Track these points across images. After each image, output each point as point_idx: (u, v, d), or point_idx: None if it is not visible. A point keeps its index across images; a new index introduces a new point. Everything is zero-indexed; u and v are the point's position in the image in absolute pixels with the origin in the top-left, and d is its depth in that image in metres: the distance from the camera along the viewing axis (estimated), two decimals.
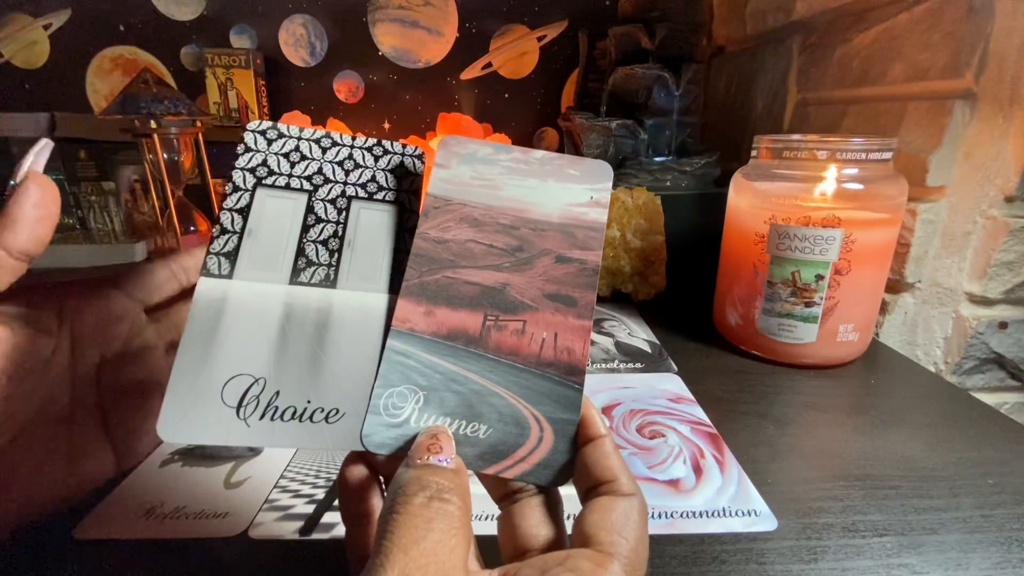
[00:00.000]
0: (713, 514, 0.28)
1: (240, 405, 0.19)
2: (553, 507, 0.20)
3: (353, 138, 0.23)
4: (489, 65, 0.93)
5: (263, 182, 0.22)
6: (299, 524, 0.27)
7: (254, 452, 0.33)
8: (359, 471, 0.20)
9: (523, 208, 0.23)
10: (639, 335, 0.51)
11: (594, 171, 0.24)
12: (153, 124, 0.64)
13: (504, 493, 0.20)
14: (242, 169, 0.22)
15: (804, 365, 0.45)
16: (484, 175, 0.23)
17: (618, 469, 0.19)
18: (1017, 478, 0.31)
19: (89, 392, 0.23)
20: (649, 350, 0.48)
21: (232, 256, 0.21)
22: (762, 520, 0.28)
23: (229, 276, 0.21)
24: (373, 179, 0.23)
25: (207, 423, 0.19)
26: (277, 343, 0.20)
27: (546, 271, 0.22)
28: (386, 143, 0.23)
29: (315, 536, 0.27)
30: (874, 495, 0.30)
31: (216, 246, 0.21)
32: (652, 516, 0.28)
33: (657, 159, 0.67)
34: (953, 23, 0.44)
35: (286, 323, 0.20)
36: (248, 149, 0.22)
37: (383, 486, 0.21)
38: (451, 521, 0.16)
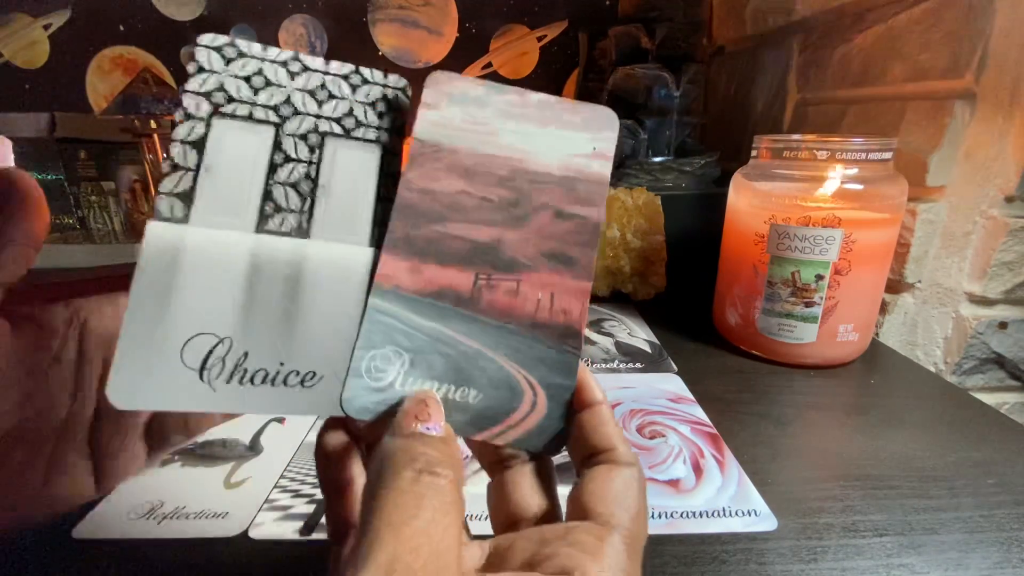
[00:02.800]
0: (713, 514, 0.28)
1: (203, 367, 0.18)
2: (545, 475, 0.19)
3: (327, 62, 0.20)
4: (489, 65, 0.93)
5: (221, 111, 0.19)
6: (299, 524, 0.27)
7: (254, 452, 0.33)
8: (338, 437, 0.19)
9: (520, 158, 0.21)
10: (639, 335, 0.51)
11: (597, 119, 0.21)
12: (153, 124, 0.64)
13: (494, 460, 0.20)
14: (195, 93, 0.19)
15: (804, 365, 0.45)
16: (477, 119, 0.21)
17: (616, 437, 0.18)
18: (1017, 478, 0.31)
19: (89, 400, 0.23)
20: (649, 350, 0.48)
21: (187, 197, 0.18)
22: (762, 520, 0.28)
23: (184, 220, 0.18)
24: (350, 113, 0.20)
25: (166, 387, 0.17)
26: (244, 299, 0.18)
27: (544, 227, 0.20)
28: (365, 71, 0.21)
29: (315, 536, 0.27)
30: (874, 495, 0.30)
31: (167, 185, 0.18)
32: (652, 516, 0.28)
33: (657, 159, 0.67)
34: (953, 23, 0.44)
35: (253, 276, 0.19)
36: (201, 69, 0.19)
37: (364, 454, 0.20)
38: (443, 497, 0.15)
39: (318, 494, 0.30)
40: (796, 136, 0.43)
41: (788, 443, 0.35)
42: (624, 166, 0.66)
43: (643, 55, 0.68)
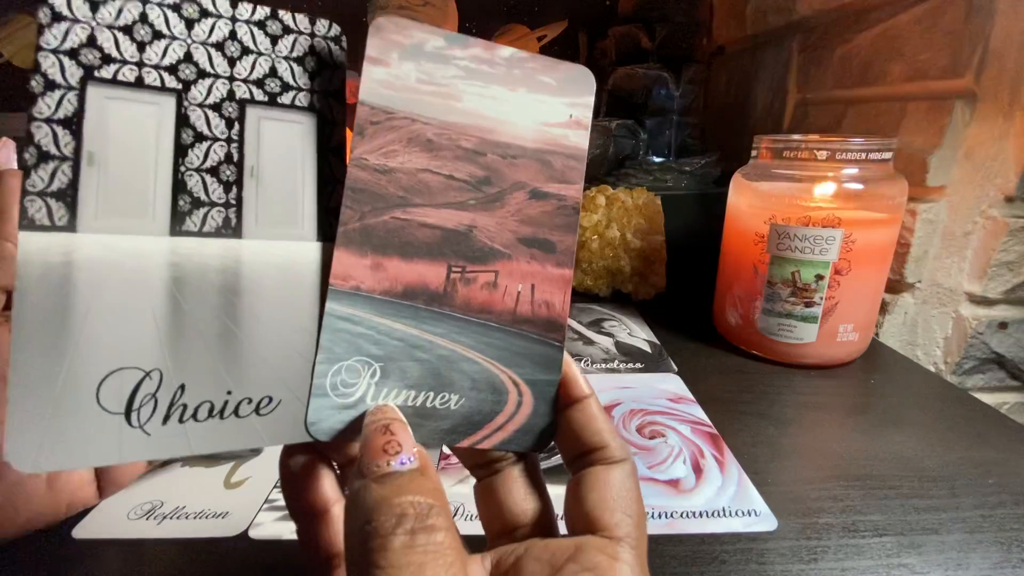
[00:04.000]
0: (713, 514, 0.28)
1: (130, 409, 0.15)
2: (534, 474, 0.19)
3: (233, 4, 0.16)
4: None
5: (95, 75, 0.15)
6: None
7: (254, 451, 0.33)
8: (303, 459, 0.18)
9: (489, 127, 0.18)
10: (639, 335, 0.51)
11: (573, 80, 0.19)
12: None
13: (480, 462, 0.19)
14: (55, 52, 0.14)
15: (804, 365, 0.44)
16: (436, 78, 0.17)
17: (607, 433, 0.18)
18: (1017, 478, 0.31)
19: None
20: (649, 350, 0.48)
21: (68, 196, 0.14)
22: (762, 520, 0.28)
23: (70, 227, 0.14)
24: (273, 73, 0.17)
25: (85, 439, 0.14)
26: (169, 321, 0.15)
27: (520, 209, 0.18)
28: (285, 16, 0.17)
29: None
30: (874, 495, 0.30)
31: (37, 182, 0.14)
32: (652, 516, 0.28)
33: (657, 159, 0.67)
34: (953, 23, 0.44)
35: (177, 291, 0.15)
36: (58, 17, 0.14)
37: (337, 472, 0.19)
38: (445, 556, 0.13)
39: None
40: (796, 136, 0.43)
41: (788, 443, 0.35)
42: (624, 166, 0.66)
43: (643, 55, 0.68)
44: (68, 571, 0.25)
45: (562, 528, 0.18)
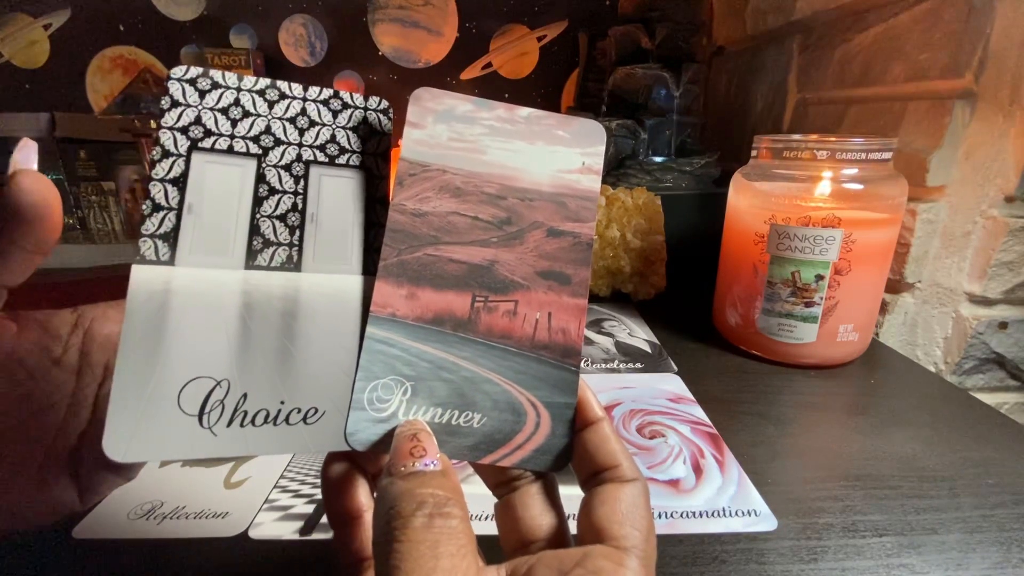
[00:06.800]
0: (713, 514, 0.28)
1: (202, 412, 0.17)
2: (552, 492, 0.20)
3: (305, 88, 0.20)
4: (489, 65, 0.93)
5: (199, 145, 0.19)
6: (299, 524, 0.27)
7: None
8: (341, 468, 0.19)
9: (510, 175, 0.21)
10: (639, 335, 0.51)
11: (585, 133, 0.21)
12: (153, 124, 0.64)
13: (500, 481, 0.20)
14: (171, 129, 0.18)
15: (804, 365, 0.44)
16: (464, 136, 0.20)
17: (620, 454, 0.18)
18: (1017, 478, 0.31)
19: (85, 407, 0.22)
20: (649, 350, 0.48)
21: (171, 238, 0.18)
22: (762, 520, 0.28)
23: (170, 262, 0.18)
24: (333, 139, 0.20)
25: (165, 436, 0.17)
26: (238, 339, 0.18)
27: (537, 246, 0.21)
28: (345, 95, 0.20)
29: (315, 536, 0.27)
30: (874, 495, 0.30)
31: (150, 226, 0.18)
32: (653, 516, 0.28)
33: (657, 159, 0.67)
34: (953, 23, 0.44)
35: (246, 315, 0.18)
36: (175, 103, 0.18)
37: (371, 483, 0.20)
38: (458, 539, 0.15)
39: (318, 494, 0.29)
40: (796, 136, 0.43)
41: (788, 443, 0.35)
42: (624, 166, 0.66)
43: (643, 55, 0.68)
44: (68, 571, 0.25)
45: None
